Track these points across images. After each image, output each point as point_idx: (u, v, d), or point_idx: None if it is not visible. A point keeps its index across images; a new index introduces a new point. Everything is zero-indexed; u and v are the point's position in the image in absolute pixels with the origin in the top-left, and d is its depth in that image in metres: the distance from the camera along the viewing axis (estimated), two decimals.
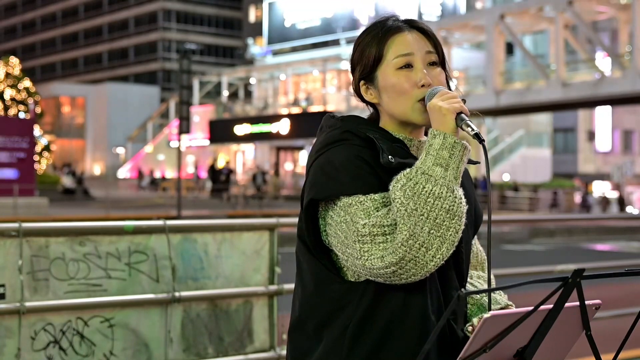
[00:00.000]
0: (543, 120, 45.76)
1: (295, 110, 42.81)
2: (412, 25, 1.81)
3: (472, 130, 1.65)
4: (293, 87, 46.11)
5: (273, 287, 3.76)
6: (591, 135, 47.47)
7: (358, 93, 1.85)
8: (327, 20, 48.10)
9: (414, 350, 1.68)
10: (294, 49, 49.72)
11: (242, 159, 49.18)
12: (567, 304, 1.43)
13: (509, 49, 39.75)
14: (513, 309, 1.70)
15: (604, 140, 47.46)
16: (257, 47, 53.48)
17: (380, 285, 1.69)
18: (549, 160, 45.86)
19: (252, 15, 59.44)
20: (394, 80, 1.76)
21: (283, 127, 41.02)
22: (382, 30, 1.79)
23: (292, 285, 3.98)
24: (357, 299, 1.72)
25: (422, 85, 1.75)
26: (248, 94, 51.22)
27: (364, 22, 45.82)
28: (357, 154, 1.71)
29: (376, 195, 1.68)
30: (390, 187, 1.66)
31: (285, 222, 3.79)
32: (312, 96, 43.75)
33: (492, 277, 1.98)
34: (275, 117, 42.29)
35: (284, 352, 3.81)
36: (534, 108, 34.35)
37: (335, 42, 46.75)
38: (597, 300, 1.51)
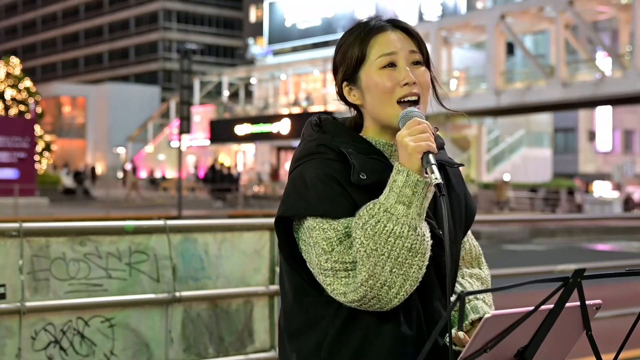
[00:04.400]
0: (543, 120, 45.75)
1: (296, 110, 42.81)
2: (396, 24, 1.79)
3: (436, 179, 1.59)
4: (294, 87, 46.11)
5: (273, 287, 3.76)
6: (592, 135, 47.47)
7: (341, 95, 1.82)
8: (328, 20, 48.09)
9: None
10: (295, 49, 49.72)
11: (242, 159, 49.19)
12: (567, 304, 1.43)
13: (510, 49, 39.74)
14: (513, 309, 1.70)
15: (605, 140, 47.46)
16: (257, 47, 53.49)
17: None
18: (550, 160, 45.85)
19: (252, 15, 59.44)
20: (376, 79, 1.73)
21: (283, 127, 41.03)
22: (365, 30, 1.77)
23: None
24: (332, 315, 1.71)
25: (406, 84, 1.72)
26: (249, 94, 51.23)
27: None
28: (327, 172, 1.68)
29: (339, 224, 1.65)
30: (353, 223, 1.64)
31: None
32: (313, 96, 43.75)
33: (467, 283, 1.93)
34: (276, 117, 42.29)
35: None
36: (534, 108, 34.36)
37: (336, 42, 46.73)
38: (597, 300, 1.51)
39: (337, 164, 1.69)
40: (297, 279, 1.75)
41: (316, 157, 1.71)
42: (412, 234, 1.60)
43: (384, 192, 1.64)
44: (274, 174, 35.45)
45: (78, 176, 39.24)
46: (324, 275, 1.64)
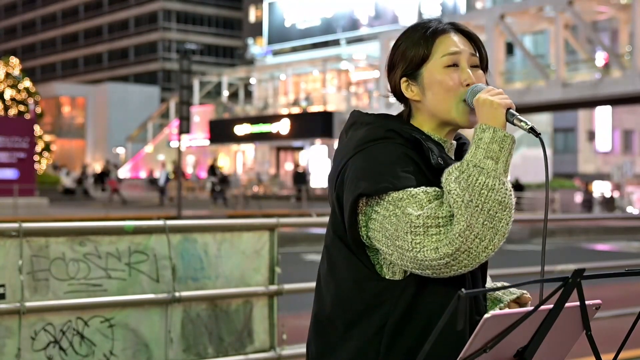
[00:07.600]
0: (543, 120, 45.76)
1: (295, 110, 42.81)
2: (457, 28, 1.87)
3: (527, 124, 1.71)
4: (293, 87, 46.10)
5: (273, 287, 3.76)
6: (591, 135, 47.48)
7: (395, 91, 1.88)
8: (327, 20, 48.10)
9: (453, 348, 1.67)
10: (294, 49, 49.72)
11: (242, 159, 49.19)
12: (567, 304, 1.43)
13: (509, 49, 39.72)
14: (513, 309, 1.70)
15: (604, 140, 47.47)
16: (257, 47, 53.49)
17: (419, 284, 1.71)
18: (549, 160, 45.80)
19: (252, 15, 59.44)
20: (440, 78, 1.80)
21: (283, 127, 41.03)
22: (430, 30, 1.84)
23: (292, 286, 3.98)
24: (395, 298, 1.73)
25: (467, 85, 1.80)
26: (248, 94, 51.21)
27: (364, 22, 45.81)
28: (404, 152, 1.74)
29: (428, 188, 1.71)
30: (443, 180, 1.69)
31: (285, 222, 3.78)
32: (312, 96, 43.75)
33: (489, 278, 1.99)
34: (276, 117, 42.29)
35: (284, 352, 3.81)
36: (534, 108, 34.34)
37: (336, 42, 46.76)
38: (597, 300, 1.51)
39: (408, 149, 1.75)
40: (357, 264, 1.77)
41: (385, 141, 1.76)
42: (502, 187, 1.65)
43: (469, 151, 1.70)
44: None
45: (102, 177, 39.20)
46: (413, 234, 1.65)
